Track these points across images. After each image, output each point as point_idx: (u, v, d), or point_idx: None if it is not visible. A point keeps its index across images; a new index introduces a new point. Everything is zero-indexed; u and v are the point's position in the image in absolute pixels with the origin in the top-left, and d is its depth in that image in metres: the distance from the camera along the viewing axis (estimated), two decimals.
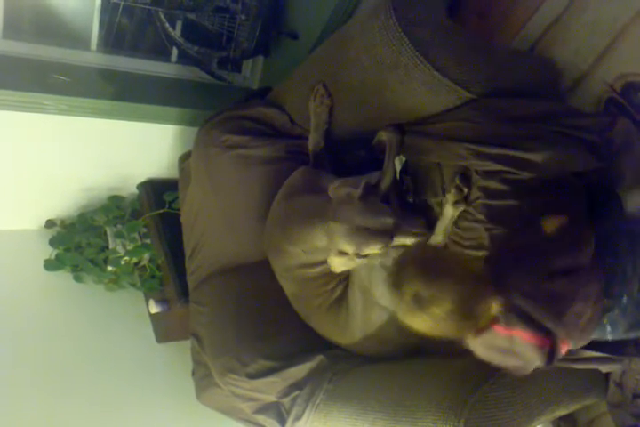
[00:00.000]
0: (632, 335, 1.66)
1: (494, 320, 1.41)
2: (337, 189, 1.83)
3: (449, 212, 1.78)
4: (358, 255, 1.77)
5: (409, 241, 1.78)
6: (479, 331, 1.43)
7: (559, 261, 1.51)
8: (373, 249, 1.76)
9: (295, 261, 1.97)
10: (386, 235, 1.76)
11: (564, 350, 1.47)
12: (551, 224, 1.55)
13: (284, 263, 2.02)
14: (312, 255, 1.91)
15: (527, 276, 1.48)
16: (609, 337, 1.65)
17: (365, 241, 1.75)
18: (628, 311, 1.61)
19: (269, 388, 1.99)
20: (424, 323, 1.40)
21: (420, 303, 1.39)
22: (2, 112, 2.29)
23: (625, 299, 1.60)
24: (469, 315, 1.38)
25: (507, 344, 1.45)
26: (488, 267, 1.47)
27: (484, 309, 1.39)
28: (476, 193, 1.72)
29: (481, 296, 1.39)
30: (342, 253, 1.77)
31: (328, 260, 1.83)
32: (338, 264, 1.82)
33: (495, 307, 1.39)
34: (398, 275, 1.47)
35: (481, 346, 1.46)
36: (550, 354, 1.44)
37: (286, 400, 1.95)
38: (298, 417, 1.89)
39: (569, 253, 1.53)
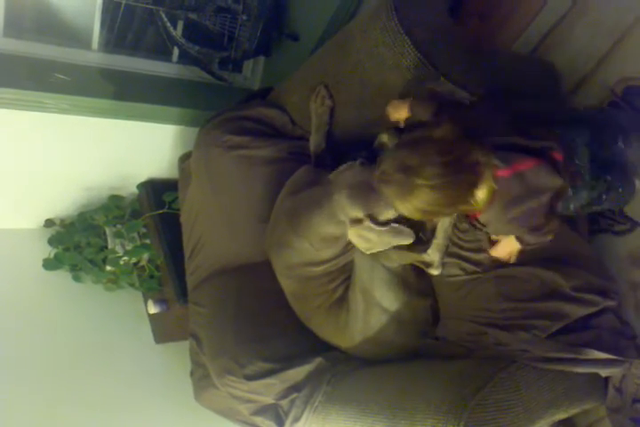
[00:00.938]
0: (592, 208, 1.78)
1: (493, 169, 1.42)
2: (337, 169, 1.85)
3: None
4: (371, 218, 1.71)
5: None
6: (490, 202, 1.44)
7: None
8: (384, 204, 1.70)
9: (299, 259, 1.96)
10: None
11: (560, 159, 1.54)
12: None
13: (286, 261, 2.01)
14: (318, 251, 1.89)
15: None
16: (571, 206, 1.70)
17: (371, 196, 1.69)
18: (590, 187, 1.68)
19: (267, 390, 1.98)
20: (424, 195, 1.38)
21: (409, 172, 1.38)
22: (2, 110, 2.28)
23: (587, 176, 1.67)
24: (461, 168, 1.38)
25: (519, 185, 1.47)
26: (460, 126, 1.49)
27: (471, 159, 1.38)
28: None
29: (464, 147, 1.39)
30: (356, 222, 1.75)
31: (349, 236, 1.79)
32: (356, 237, 1.78)
33: (481, 154, 1.40)
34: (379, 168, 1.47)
35: (500, 202, 1.47)
36: (555, 167, 1.50)
37: (284, 402, 1.94)
38: (296, 419, 1.88)
39: None
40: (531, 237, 1.61)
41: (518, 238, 1.64)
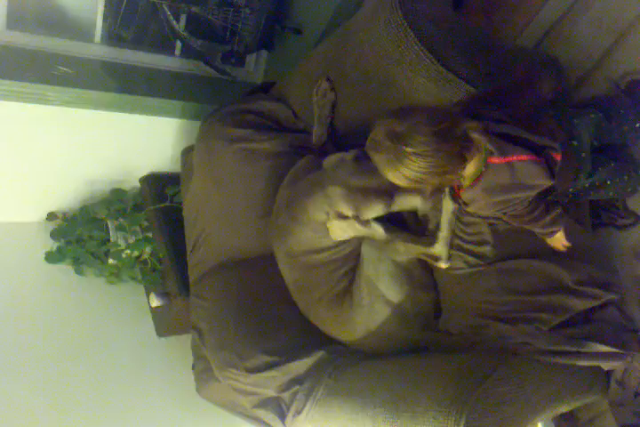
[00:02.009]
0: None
1: (486, 154, 1.43)
2: (329, 157, 1.87)
3: (449, 205, 1.78)
4: (358, 219, 1.77)
5: (413, 201, 1.77)
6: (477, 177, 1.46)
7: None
8: (373, 210, 1.75)
9: (300, 247, 1.97)
10: (385, 194, 1.75)
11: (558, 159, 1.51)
12: None
13: (288, 249, 2.02)
14: (321, 238, 1.91)
15: (498, 107, 1.53)
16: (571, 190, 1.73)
17: (364, 201, 1.74)
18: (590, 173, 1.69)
19: (269, 382, 1.98)
20: (412, 163, 1.38)
21: (397, 140, 1.38)
22: (5, 102, 2.28)
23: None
24: (448, 138, 1.37)
25: (508, 175, 1.46)
26: (459, 105, 1.50)
27: (461, 132, 1.38)
28: None
29: (454, 119, 1.39)
30: (342, 217, 1.78)
31: (327, 225, 1.83)
32: (337, 229, 1.83)
33: (472, 128, 1.39)
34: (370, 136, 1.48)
35: (485, 186, 1.48)
36: (550, 166, 1.48)
37: (286, 395, 1.94)
38: (298, 412, 1.88)
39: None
40: (538, 228, 1.63)
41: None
